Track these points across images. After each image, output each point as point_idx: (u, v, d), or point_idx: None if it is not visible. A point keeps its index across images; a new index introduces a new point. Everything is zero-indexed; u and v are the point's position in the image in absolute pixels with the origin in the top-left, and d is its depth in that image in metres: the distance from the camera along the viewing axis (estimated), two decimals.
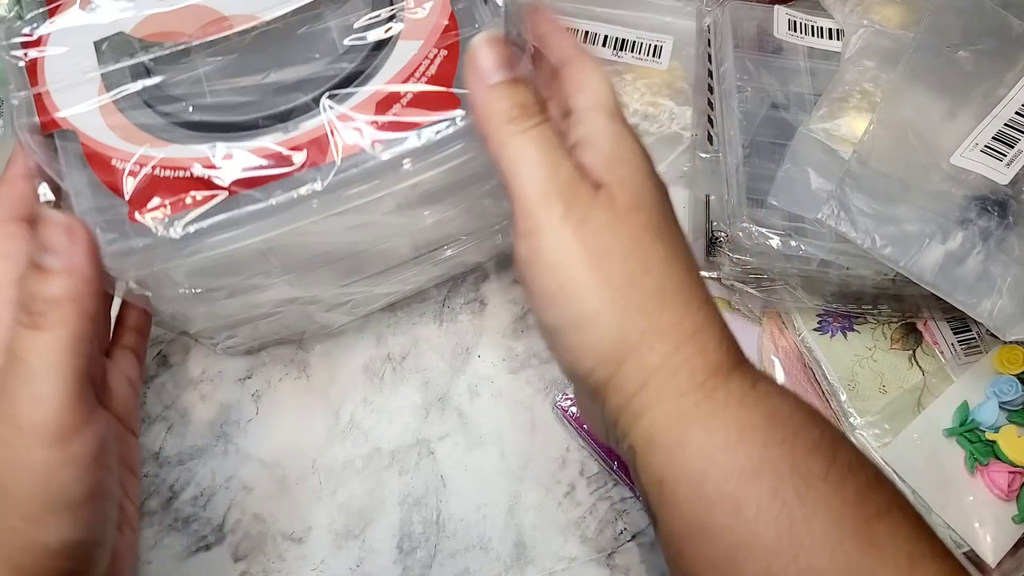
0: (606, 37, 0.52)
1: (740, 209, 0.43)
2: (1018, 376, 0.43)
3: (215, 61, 0.34)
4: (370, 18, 0.34)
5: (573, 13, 0.53)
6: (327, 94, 0.33)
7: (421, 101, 0.32)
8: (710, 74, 0.49)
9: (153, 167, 0.32)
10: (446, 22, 0.34)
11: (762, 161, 0.44)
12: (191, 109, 0.33)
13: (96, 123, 0.33)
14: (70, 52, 0.34)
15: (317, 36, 0.34)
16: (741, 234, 0.42)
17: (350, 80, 0.33)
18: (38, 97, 0.34)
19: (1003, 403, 0.42)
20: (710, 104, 0.48)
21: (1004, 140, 0.42)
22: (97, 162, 0.32)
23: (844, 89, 0.46)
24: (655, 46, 0.52)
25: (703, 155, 0.47)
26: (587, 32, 0.52)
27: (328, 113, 0.32)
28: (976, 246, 0.40)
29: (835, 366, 0.44)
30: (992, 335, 0.41)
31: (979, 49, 0.45)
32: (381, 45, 0.34)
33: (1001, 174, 0.41)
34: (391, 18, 0.34)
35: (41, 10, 0.35)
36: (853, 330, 0.45)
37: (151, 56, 0.34)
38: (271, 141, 0.32)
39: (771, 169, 0.44)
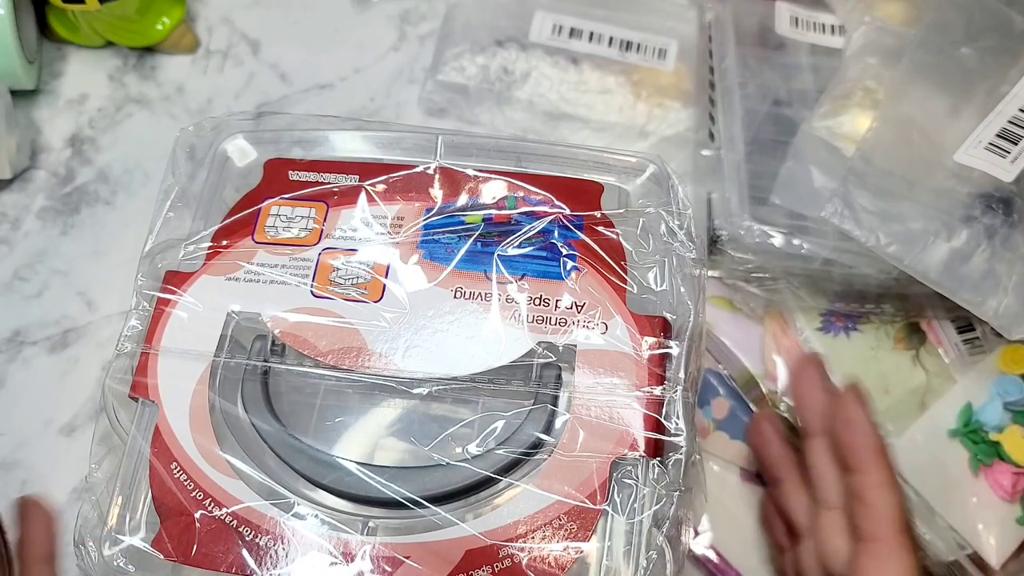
0: (612, 38, 0.52)
1: (742, 207, 0.43)
2: (1023, 376, 0.42)
3: (334, 403, 0.33)
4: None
5: (578, 15, 0.52)
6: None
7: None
8: (712, 71, 0.49)
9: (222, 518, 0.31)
10: None
11: (764, 158, 0.44)
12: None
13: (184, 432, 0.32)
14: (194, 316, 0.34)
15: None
16: (743, 232, 0.42)
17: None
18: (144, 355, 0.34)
19: (1007, 403, 0.42)
20: (712, 101, 0.48)
21: (1008, 137, 0.42)
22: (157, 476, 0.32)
23: (847, 86, 0.45)
24: (660, 49, 0.52)
25: (705, 152, 0.47)
26: (592, 32, 0.52)
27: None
28: (981, 244, 0.40)
29: (838, 366, 0.43)
30: (997, 335, 0.41)
31: (982, 46, 0.45)
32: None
33: (1005, 171, 0.41)
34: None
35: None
36: (856, 330, 0.45)
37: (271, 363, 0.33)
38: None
39: (773, 167, 0.44)
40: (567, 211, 0.35)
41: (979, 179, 0.41)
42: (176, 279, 0.36)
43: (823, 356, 0.44)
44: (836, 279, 0.43)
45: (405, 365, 0.33)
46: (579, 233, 0.35)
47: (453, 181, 0.36)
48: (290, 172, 0.37)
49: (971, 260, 0.39)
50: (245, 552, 0.30)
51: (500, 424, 0.32)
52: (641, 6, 0.53)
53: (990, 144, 0.42)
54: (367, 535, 0.31)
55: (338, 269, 0.34)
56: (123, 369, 0.35)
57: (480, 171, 0.37)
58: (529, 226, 0.35)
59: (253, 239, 0.36)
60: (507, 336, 0.33)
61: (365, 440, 0.33)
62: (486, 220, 0.35)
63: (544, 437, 0.32)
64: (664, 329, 0.34)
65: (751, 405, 0.45)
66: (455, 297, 0.34)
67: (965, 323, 0.44)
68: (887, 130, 0.43)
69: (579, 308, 0.33)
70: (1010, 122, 0.42)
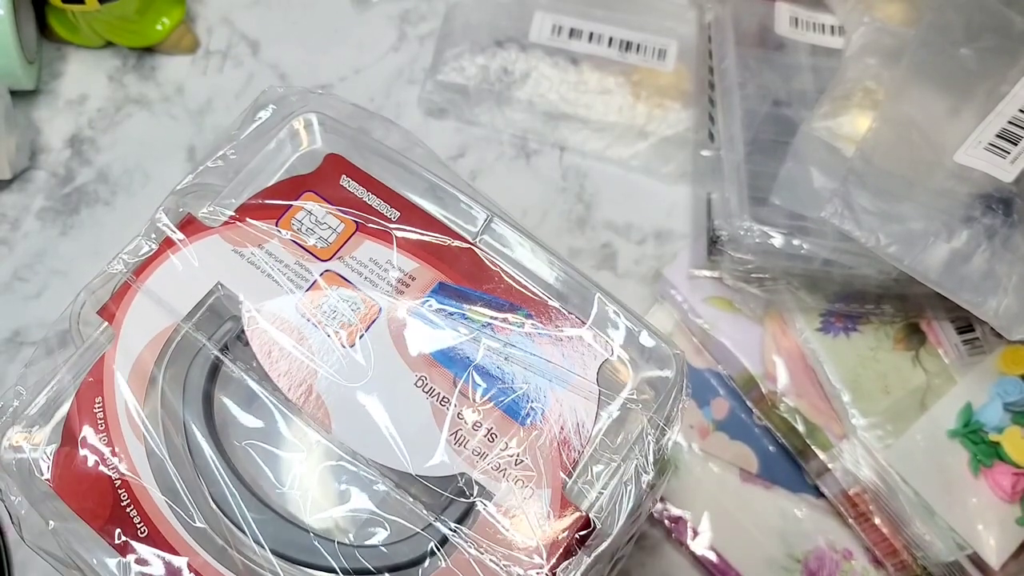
0: (611, 38, 0.52)
1: (742, 207, 0.43)
2: (1023, 377, 0.42)
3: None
4: None
5: (578, 15, 0.52)
6: None
7: None
8: (711, 71, 0.49)
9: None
10: None
11: (764, 159, 0.44)
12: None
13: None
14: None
15: None
16: (743, 233, 0.42)
17: None
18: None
19: (1007, 404, 0.42)
20: (711, 101, 0.48)
21: (1008, 138, 0.42)
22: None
23: (846, 87, 0.45)
24: (660, 49, 0.52)
25: (704, 153, 0.47)
26: (592, 33, 0.52)
27: None
28: (981, 244, 0.40)
29: (838, 366, 0.43)
30: (996, 335, 0.41)
31: (981, 46, 0.45)
32: None
33: (1005, 172, 0.41)
34: None
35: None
36: (856, 330, 0.45)
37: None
38: None
39: (773, 167, 0.43)
40: (561, 363, 0.32)
41: (979, 179, 0.41)
42: (190, 227, 0.34)
43: (823, 357, 0.44)
44: (836, 279, 0.43)
45: (337, 425, 0.31)
46: (561, 388, 0.32)
47: (480, 267, 0.34)
48: (343, 176, 0.36)
49: (971, 260, 0.39)
50: (114, 517, 0.30)
51: (380, 532, 0.30)
52: (641, 7, 0.53)
53: (990, 144, 0.42)
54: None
55: (329, 298, 0.33)
56: (106, 285, 0.34)
57: (510, 270, 0.34)
58: (521, 353, 0.32)
59: (277, 224, 0.35)
60: (441, 452, 0.31)
61: (274, 481, 0.32)
62: (487, 325, 0.33)
63: (408, 571, 0.30)
64: (583, 527, 0.30)
65: (751, 405, 0.45)
66: (415, 385, 0.32)
67: (965, 324, 0.44)
68: (887, 130, 0.42)
69: (518, 462, 0.31)
70: (1010, 122, 0.42)
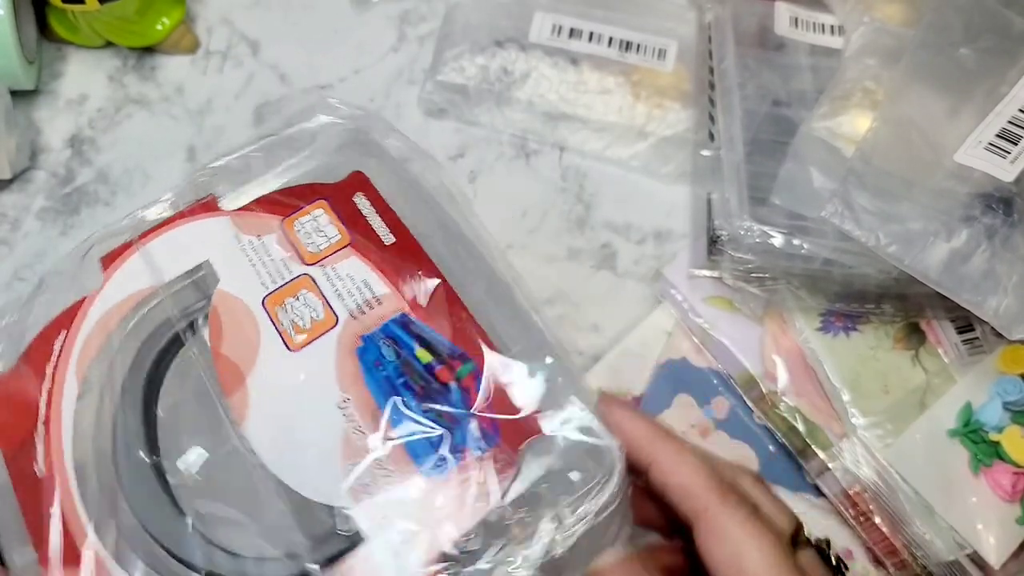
0: (611, 38, 0.52)
1: (742, 207, 0.43)
2: (1023, 376, 0.42)
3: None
4: None
5: (577, 15, 0.52)
6: None
7: None
8: (711, 71, 0.49)
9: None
10: None
11: (764, 159, 0.44)
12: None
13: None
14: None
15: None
16: (743, 232, 0.42)
17: None
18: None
19: (1007, 404, 0.42)
20: (711, 101, 0.48)
21: (1007, 137, 0.42)
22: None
23: (846, 87, 0.45)
24: (660, 49, 0.52)
25: (704, 153, 0.47)
26: (592, 33, 0.52)
27: None
28: (981, 244, 0.40)
29: (838, 366, 0.43)
30: (996, 335, 0.41)
31: (981, 47, 0.45)
32: None
33: (1005, 171, 0.41)
34: None
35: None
36: (856, 330, 0.45)
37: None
38: None
39: (773, 167, 0.43)
40: (488, 426, 0.30)
41: (979, 179, 0.41)
42: (207, 205, 0.35)
43: (823, 357, 0.44)
44: (836, 279, 0.43)
45: (250, 423, 0.30)
46: (478, 450, 0.29)
47: (442, 312, 0.33)
48: (359, 193, 0.36)
49: (971, 260, 0.39)
50: (24, 449, 0.30)
51: (250, 543, 0.29)
52: (641, 7, 0.53)
53: (990, 144, 0.42)
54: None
55: (296, 300, 0.33)
56: (116, 235, 0.35)
57: (479, 320, 0.32)
58: (448, 401, 0.30)
59: (282, 221, 0.35)
60: (331, 477, 0.29)
61: (175, 463, 0.31)
62: (428, 368, 0.31)
63: None
64: None
65: (751, 405, 0.45)
66: (338, 405, 0.30)
67: (965, 323, 0.44)
68: (887, 130, 0.43)
69: (402, 511, 0.29)
70: (1009, 122, 0.42)
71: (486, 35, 0.52)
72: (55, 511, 0.29)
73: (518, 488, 0.29)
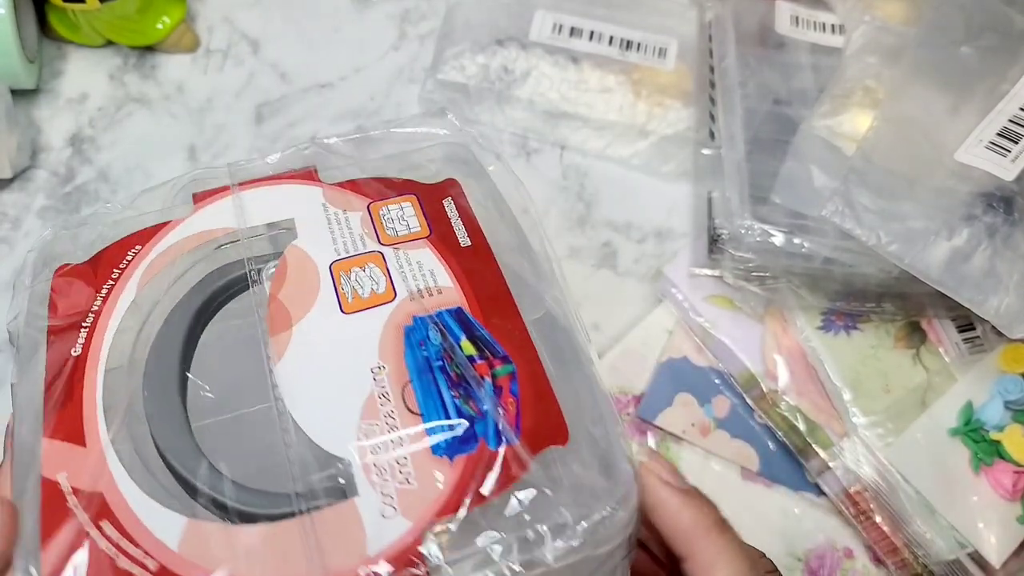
0: (612, 37, 0.52)
1: (743, 206, 0.43)
2: (1023, 375, 0.42)
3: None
4: None
5: (578, 14, 0.52)
6: None
7: None
8: (712, 70, 0.49)
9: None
10: None
11: (764, 158, 0.44)
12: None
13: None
14: None
15: None
16: (744, 231, 0.42)
17: None
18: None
19: (1008, 402, 0.42)
20: (712, 100, 0.48)
21: (1008, 136, 0.42)
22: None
23: (847, 85, 0.45)
24: (661, 48, 0.52)
25: (705, 151, 0.47)
26: (592, 31, 0.52)
27: None
28: (982, 243, 0.40)
29: (838, 365, 0.43)
30: (997, 333, 0.41)
31: (982, 45, 0.45)
32: None
33: (1006, 170, 0.41)
34: None
35: None
36: (856, 328, 0.45)
37: None
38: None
39: (774, 166, 0.43)
40: (511, 426, 0.30)
41: (980, 178, 0.41)
42: (307, 174, 0.37)
43: (823, 355, 0.44)
44: (837, 278, 0.43)
45: (283, 364, 0.31)
46: (495, 445, 0.29)
47: (498, 319, 0.33)
48: (448, 198, 0.37)
49: (972, 259, 0.39)
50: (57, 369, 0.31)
51: (259, 476, 0.29)
52: (641, 5, 0.53)
53: (991, 143, 0.42)
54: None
55: (362, 271, 0.34)
56: (214, 178, 0.36)
57: (514, 332, 0.33)
58: (477, 393, 0.30)
59: (370, 205, 0.36)
60: (344, 431, 0.29)
61: (209, 391, 0.31)
62: (469, 359, 0.31)
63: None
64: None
65: (752, 404, 0.45)
66: (372, 370, 0.31)
67: (966, 322, 0.44)
68: (887, 129, 0.43)
69: (400, 481, 0.29)
70: (1011, 121, 0.42)
71: (487, 34, 0.52)
72: (73, 385, 0.31)
73: (522, 493, 0.28)
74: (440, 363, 0.32)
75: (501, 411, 0.30)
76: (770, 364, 0.44)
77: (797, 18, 0.49)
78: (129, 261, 0.34)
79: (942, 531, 0.41)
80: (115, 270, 0.34)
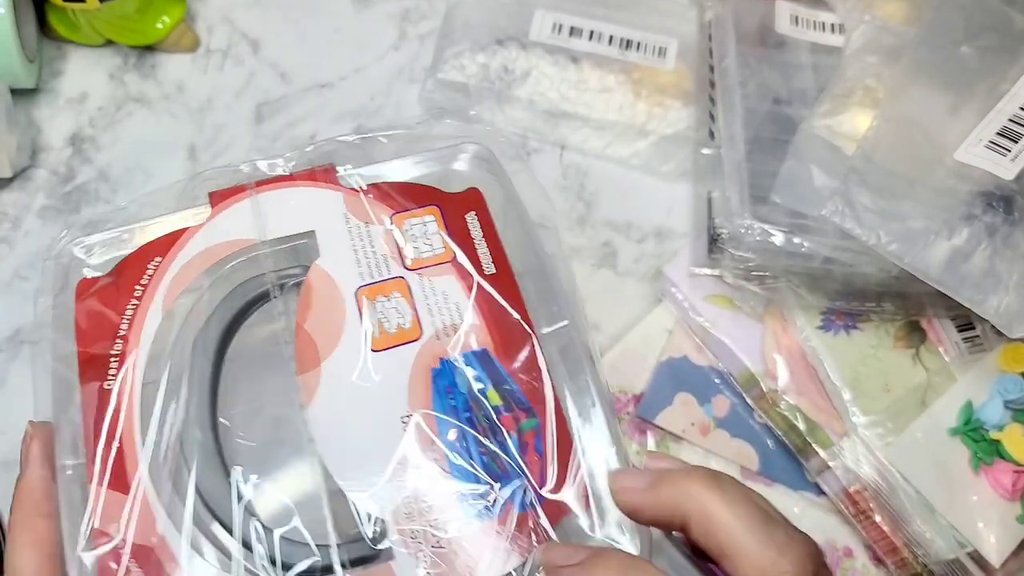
0: (612, 36, 0.52)
1: (743, 206, 0.43)
2: (1023, 375, 0.42)
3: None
4: None
5: (578, 14, 0.52)
6: None
7: None
8: (712, 69, 0.49)
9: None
10: None
11: (764, 157, 0.44)
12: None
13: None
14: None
15: None
16: (743, 231, 0.42)
17: None
18: None
19: (1008, 402, 0.42)
20: (712, 100, 0.48)
21: (1008, 136, 0.42)
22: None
23: (847, 85, 0.45)
24: (661, 47, 0.52)
25: (705, 151, 0.47)
26: (592, 31, 0.52)
27: None
28: (982, 242, 0.40)
29: (838, 364, 0.43)
30: (997, 333, 0.41)
31: (982, 44, 0.45)
32: None
33: (1006, 169, 0.41)
34: None
35: None
36: (856, 328, 0.45)
37: None
38: None
39: (774, 165, 0.43)
40: (535, 483, 0.30)
41: (980, 177, 0.41)
42: (324, 174, 0.36)
43: (823, 355, 0.44)
44: (837, 277, 0.43)
45: (314, 408, 0.31)
46: (523, 509, 0.30)
47: (521, 360, 0.33)
48: (472, 211, 0.36)
49: (972, 258, 0.39)
50: (97, 361, 0.31)
51: (287, 523, 0.29)
52: (641, 5, 0.53)
53: (991, 142, 0.42)
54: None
55: (388, 301, 0.33)
56: (230, 175, 0.35)
57: (554, 379, 0.32)
58: (505, 449, 0.31)
59: (392, 216, 0.35)
60: (377, 486, 0.30)
61: (238, 416, 0.31)
62: (496, 410, 0.31)
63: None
64: None
65: (751, 403, 0.45)
66: (402, 419, 0.31)
67: (965, 321, 0.44)
68: (887, 129, 0.43)
69: (437, 547, 0.29)
70: (1011, 121, 0.42)
71: (487, 33, 0.52)
72: (114, 429, 0.30)
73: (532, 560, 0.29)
74: (468, 414, 0.31)
75: (525, 473, 0.30)
76: (770, 364, 0.44)
77: (797, 18, 0.49)
78: (151, 276, 0.33)
79: (942, 531, 0.41)
80: (137, 287, 0.33)
